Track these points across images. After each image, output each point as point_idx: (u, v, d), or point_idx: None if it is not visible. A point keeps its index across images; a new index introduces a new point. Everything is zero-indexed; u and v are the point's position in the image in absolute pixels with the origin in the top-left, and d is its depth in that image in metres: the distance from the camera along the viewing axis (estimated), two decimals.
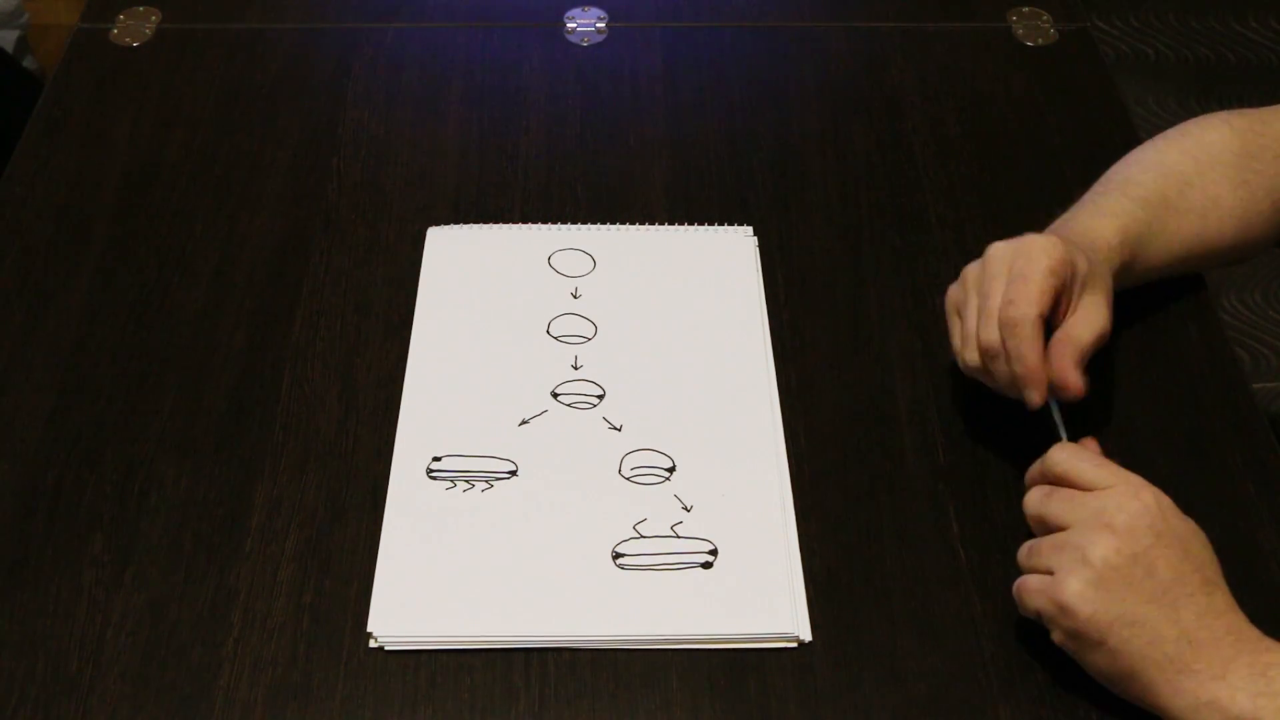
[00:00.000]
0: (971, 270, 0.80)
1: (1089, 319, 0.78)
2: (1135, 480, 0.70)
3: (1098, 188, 0.87)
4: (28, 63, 1.99)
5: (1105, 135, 1.04)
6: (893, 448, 0.83)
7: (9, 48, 1.95)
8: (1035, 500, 0.72)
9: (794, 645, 0.73)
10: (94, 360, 0.87)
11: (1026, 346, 0.75)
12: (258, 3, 1.16)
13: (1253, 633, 0.67)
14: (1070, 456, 0.72)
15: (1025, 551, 0.71)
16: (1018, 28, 1.14)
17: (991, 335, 0.77)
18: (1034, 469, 0.74)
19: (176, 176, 1.00)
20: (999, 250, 0.79)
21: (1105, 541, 0.67)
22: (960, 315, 0.80)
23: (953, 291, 0.82)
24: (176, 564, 0.76)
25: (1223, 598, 0.68)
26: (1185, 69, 2.24)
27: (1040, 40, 1.12)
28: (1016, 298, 0.76)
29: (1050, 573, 0.69)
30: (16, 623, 0.74)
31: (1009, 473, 0.81)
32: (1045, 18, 1.15)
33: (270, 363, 0.87)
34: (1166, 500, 0.70)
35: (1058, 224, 0.85)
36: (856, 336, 0.89)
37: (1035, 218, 0.97)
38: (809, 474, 0.81)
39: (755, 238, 0.95)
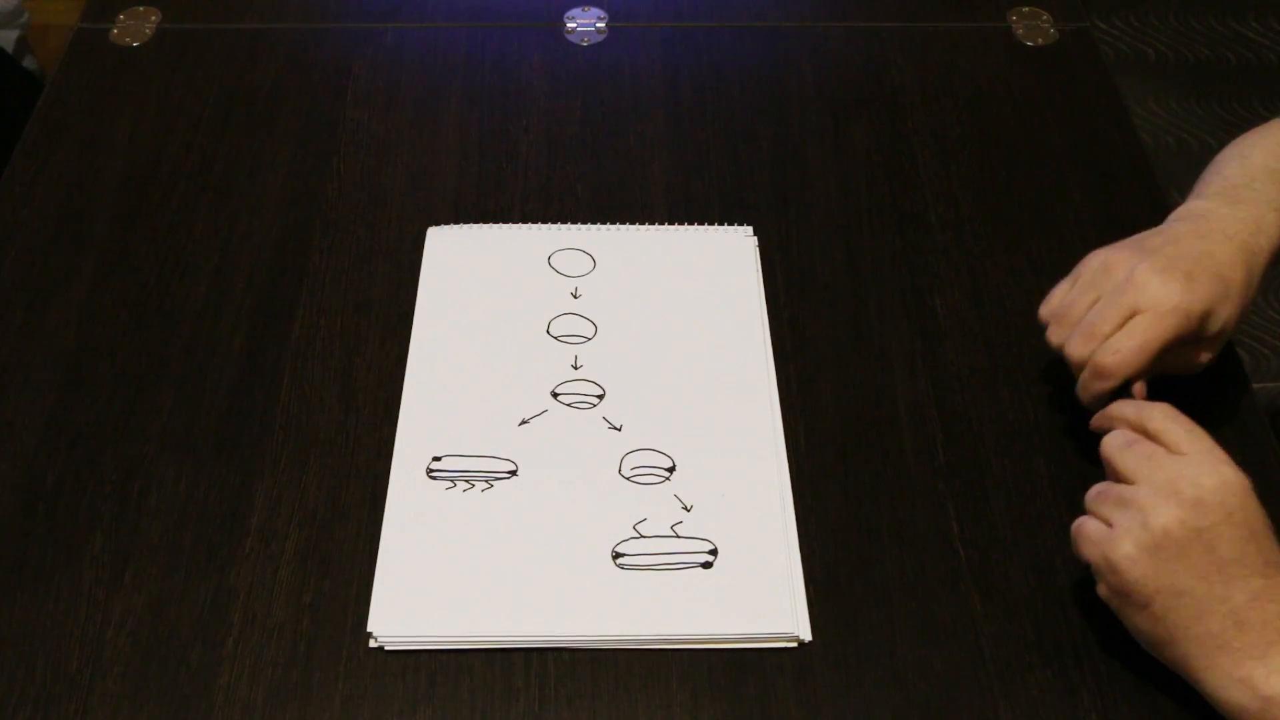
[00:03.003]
0: (1095, 261, 0.81)
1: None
2: (1219, 454, 0.69)
3: (1233, 169, 0.84)
4: (28, 63, 1.99)
5: (1105, 135, 1.04)
6: (893, 448, 0.83)
7: (9, 48, 1.94)
8: (1115, 446, 0.71)
9: (794, 645, 0.73)
10: (94, 360, 0.87)
11: (1101, 388, 0.78)
12: (258, 3, 1.16)
13: None
14: (1165, 416, 0.71)
15: (1093, 494, 0.71)
16: (1018, 28, 1.14)
17: (1080, 352, 0.78)
18: (1119, 409, 0.74)
19: (176, 176, 1.00)
20: (1140, 274, 0.78)
21: (1169, 511, 0.67)
22: (1074, 288, 0.81)
23: (1083, 264, 0.82)
24: (176, 564, 0.76)
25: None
26: (1185, 69, 2.24)
27: (1040, 40, 1.12)
28: (1123, 349, 0.76)
29: (1110, 524, 0.69)
30: (16, 623, 0.74)
31: (1009, 473, 0.81)
32: (1045, 18, 1.15)
33: (270, 363, 0.87)
34: (1245, 481, 0.68)
35: (1225, 207, 0.81)
36: (856, 336, 0.89)
37: (1035, 218, 0.97)
38: (809, 474, 0.81)
39: (755, 238, 0.95)
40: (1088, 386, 0.79)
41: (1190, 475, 0.67)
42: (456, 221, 0.96)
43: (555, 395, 0.85)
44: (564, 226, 0.96)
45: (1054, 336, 0.81)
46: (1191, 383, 0.86)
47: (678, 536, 0.78)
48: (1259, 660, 0.65)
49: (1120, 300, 0.77)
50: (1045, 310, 0.83)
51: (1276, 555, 0.67)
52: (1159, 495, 0.67)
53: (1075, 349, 0.79)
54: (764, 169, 1.01)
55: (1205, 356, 0.81)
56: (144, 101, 1.06)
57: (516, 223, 0.96)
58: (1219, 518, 0.66)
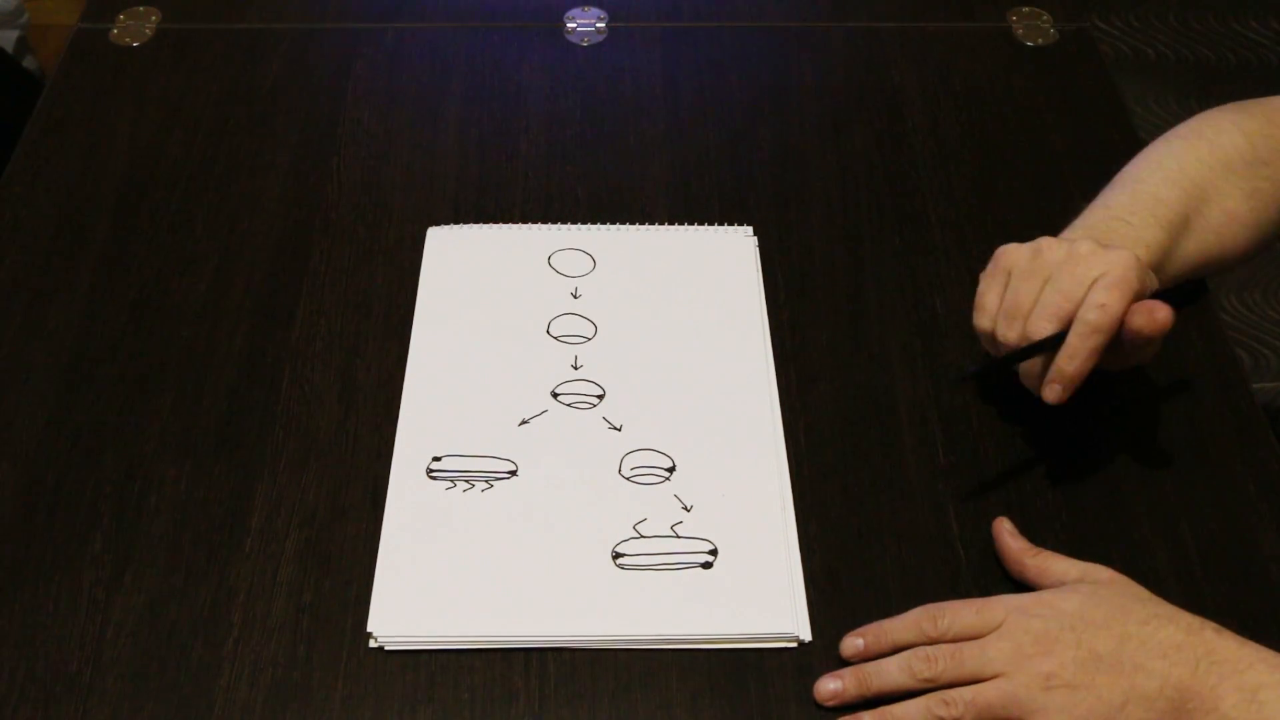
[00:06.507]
0: (1024, 252, 0.79)
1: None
2: (1010, 603, 0.70)
3: (1122, 198, 0.83)
4: (28, 63, 1.99)
5: (1105, 135, 1.04)
6: (893, 448, 0.83)
7: (9, 48, 1.95)
8: (933, 663, 0.69)
9: (794, 645, 0.73)
10: (94, 360, 0.87)
11: (1094, 352, 0.74)
12: (258, 3, 1.16)
13: (1225, 649, 0.66)
14: (949, 613, 0.71)
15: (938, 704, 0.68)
16: (1018, 28, 1.14)
17: (1044, 329, 0.75)
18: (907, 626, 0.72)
19: (176, 176, 1.00)
20: (1082, 247, 0.77)
21: (1046, 675, 0.67)
22: (1005, 285, 0.78)
23: (1002, 260, 0.80)
24: (176, 564, 0.76)
25: (1170, 628, 0.67)
26: (1185, 69, 2.25)
27: (1040, 40, 1.12)
28: (1110, 303, 0.74)
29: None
30: (16, 623, 0.74)
31: (1009, 473, 0.81)
32: (1045, 18, 1.15)
33: (270, 363, 0.87)
34: (1042, 594, 0.71)
35: (1084, 233, 0.81)
36: (856, 336, 0.89)
37: (1035, 218, 0.97)
38: (809, 474, 0.81)
39: (755, 238, 0.95)
40: (1073, 355, 0.74)
41: (1024, 639, 0.68)
42: (456, 221, 0.96)
43: (555, 395, 0.85)
44: (564, 226, 0.96)
45: (1010, 332, 0.77)
46: (1191, 382, 0.86)
47: (678, 536, 0.78)
48: (1214, 713, 0.65)
49: (1075, 272, 0.76)
50: (985, 316, 0.79)
51: (1142, 610, 0.68)
52: (1024, 669, 0.67)
53: (1039, 327, 0.75)
54: (764, 169, 1.01)
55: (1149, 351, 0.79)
56: (144, 101, 1.06)
57: (516, 223, 0.96)
58: (1073, 640, 0.67)
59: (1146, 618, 0.68)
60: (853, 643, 0.72)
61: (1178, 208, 0.82)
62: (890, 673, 0.70)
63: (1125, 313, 0.75)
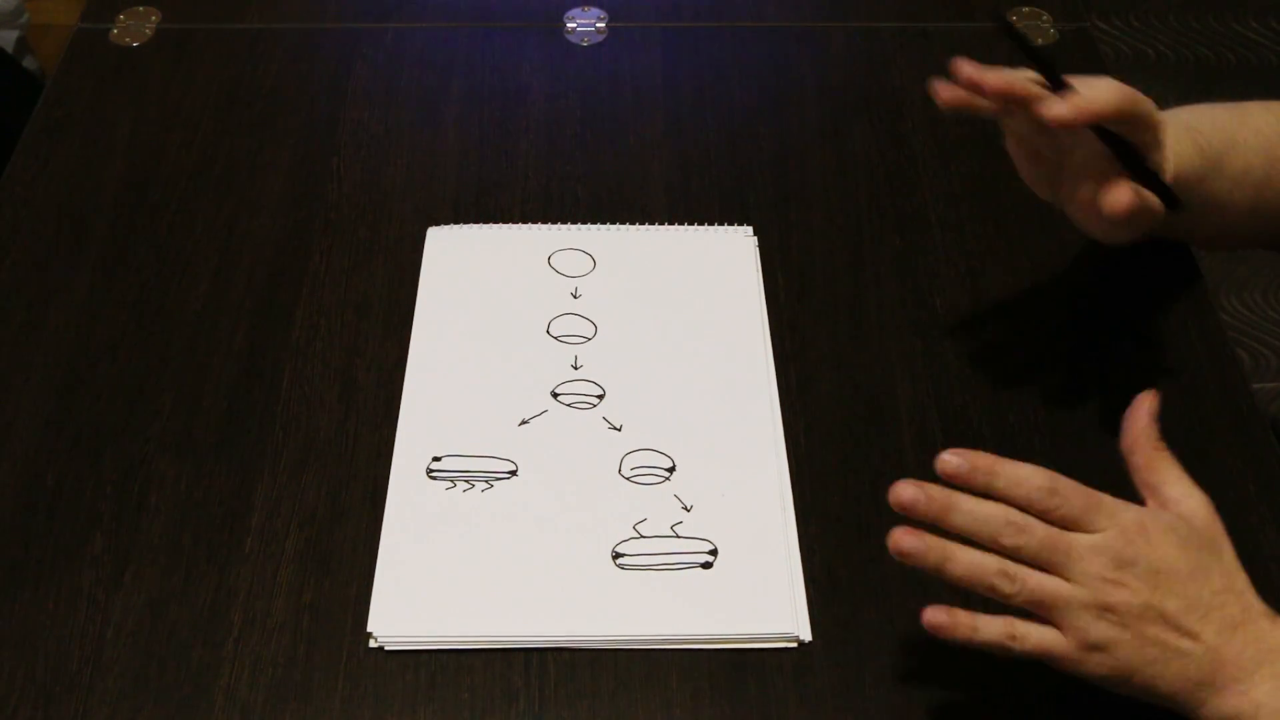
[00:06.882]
0: None
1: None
2: (1118, 518, 0.67)
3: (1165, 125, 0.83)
4: (28, 63, 1.99)
5: None
6: (893, 448, 0.83)
7: (9, 48, 1.95)
8: (1023, 537, 0.67)
9: (794, 645, 0.73)
10: (94, 360, 0.87)
11: (1100, 102, 0.77)
12: (258, 3, 1.16)
13: (1275, 638, 0.66)
14: (1065, 497, 0.68)
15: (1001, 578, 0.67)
16: (1017, 28, 1.13)
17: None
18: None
19: (176, 176, 1.00)
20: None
21: (1107, 606, 0.66)
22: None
23: None
24: (176, 564, 0.77)
25: (1235, 607, 0.67)
26: (1185, 69, 2.25)
27: (1040, 40, 1.12)
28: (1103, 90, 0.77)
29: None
30: (16, 622, 0.74)
31: None
32: (1045, 18, 1.15)
33: (270, 363, 0.87)
34: (1148, 522, 0.68)
35: None
36: (856, 336, 0.89)
37: (1035, 218, 0.97)
38: (809, 474, 0.81)
39: (755, 238, 0.95)
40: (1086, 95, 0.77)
41: (1105, 553, 0.66)
42: (456, 221, 0.96)
43: (555, 395, 0.85)
44: (564, 226, 0.96)
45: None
46: (1191, 382, 0.86)
47: (678, 536, 0.78)
48: (1243, 695, 0.65)
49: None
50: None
51: (1220, 580, 0.67)
52: (1094, 591, 0.66)
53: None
54: (764, 169, 1.01)
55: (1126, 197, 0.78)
56: (144, 101, 1.06)
57: (516, 223, 0.96)
58: (1157, 583, 0.66)
59: (1221, 589, 0.67)
60: (959, 462, 0.69)
61: (1210, 139, 0.83)
62: (977, 515, 0.67)
63: (1121, 106, 0.77)
